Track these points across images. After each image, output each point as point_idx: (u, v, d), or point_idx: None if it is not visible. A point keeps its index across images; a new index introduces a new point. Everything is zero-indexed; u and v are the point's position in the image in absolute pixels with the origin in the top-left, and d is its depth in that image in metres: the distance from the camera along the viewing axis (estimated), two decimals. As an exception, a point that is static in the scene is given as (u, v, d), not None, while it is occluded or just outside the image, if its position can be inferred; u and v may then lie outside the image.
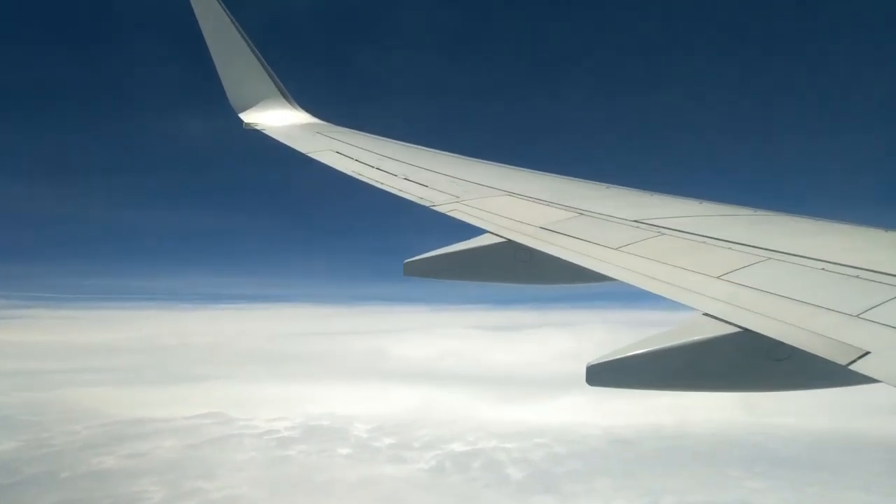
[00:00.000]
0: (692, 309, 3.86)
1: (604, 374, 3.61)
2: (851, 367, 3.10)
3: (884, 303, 3.55)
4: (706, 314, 3.74)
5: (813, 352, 3.27)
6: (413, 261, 5.57)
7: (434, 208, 6.48)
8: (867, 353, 3.15)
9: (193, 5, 9.74)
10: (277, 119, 10.37)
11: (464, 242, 5.59)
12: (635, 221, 5.40)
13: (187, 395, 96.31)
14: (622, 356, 3.60)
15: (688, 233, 5.00)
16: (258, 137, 9.93)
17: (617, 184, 6.85)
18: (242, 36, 9.93)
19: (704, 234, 4.92)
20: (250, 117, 10.27)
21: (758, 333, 3.49)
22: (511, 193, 6.72)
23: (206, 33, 9.85)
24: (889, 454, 62.91)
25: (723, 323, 3.62)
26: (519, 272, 5.43)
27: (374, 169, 7.95)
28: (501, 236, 5.48)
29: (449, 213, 6.29)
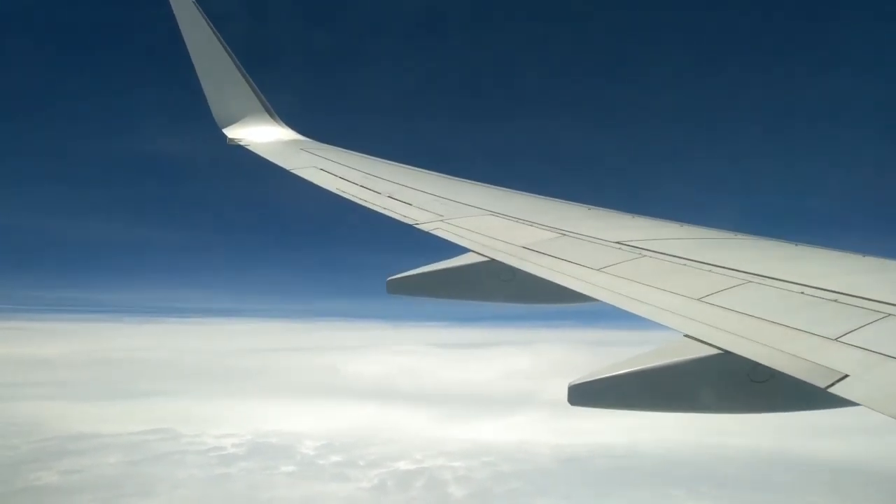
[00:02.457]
0: (670, 330, 3.87)
1: (585, 394, 3.61)
2: (830, 389, 3.12)
3: (862, 326, 3.59)
4: (687, 336, 3.75)
5: (792, 374, 3.28)
6: (396, 278, 5.58)
7: (418, 227, 6.51)
8: (846, 375, 3.17)
9: (178, 20, 9.68)
10: (261, 135, 10.31)
11: (447, 261, 5.61)
12: (617, 243, 5.45)
13: (137, 411, 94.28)
14: (603, 376, 3.59)
15: (669, 255, 5.04)
16: (240, 153, 9.92)
17: (599, 205, 6.91)
18: (227, 52, 9.88)
19: (685, 256, 4.96)
20: (234, 133, 10.22)
21: (738, 355, 3.49)
22: (494, 213, 6.76)
23: (190, 48, 9.81)
24: (837, 476, 63.71)
25: (703, 345, 3.63)
26: (501, 291, 5.46)
27: (358, 186, 7.97)
28: (484, 255, 5.49)
29: (432, 232, 6.31)
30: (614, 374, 3.60)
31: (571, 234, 5.83)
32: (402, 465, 70.71)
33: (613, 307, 4.37)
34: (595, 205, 6.95)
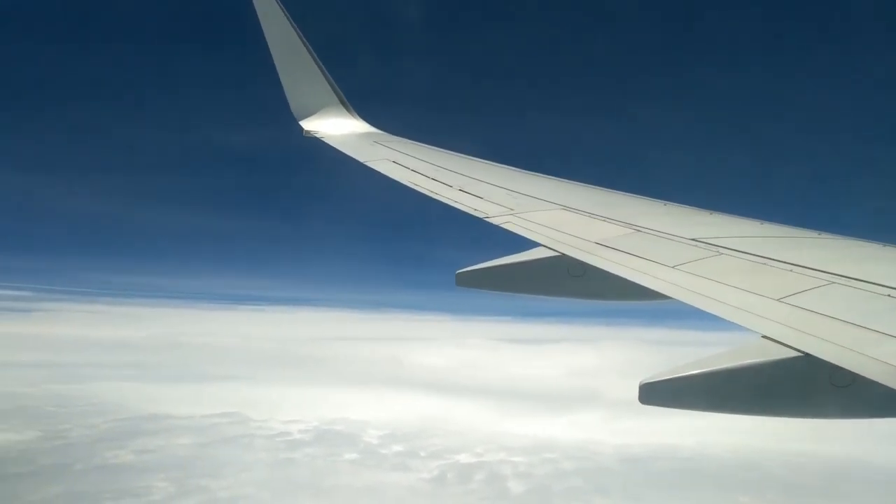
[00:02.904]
0: (745, 330, 3.79)
1: (657, 393, 3.57)
2: None
3: None
4: (765, 337, 3.65)
5: (877, 379, 3.18)
6: (465, 271, 5.55)
7: (488, 220, 6.43)
8: None
9: (259, 15, 9.95)
10: (336, 127, 10.48)
11: (517, 255, 5.53)
12: (693, 240, 5.29)
13: (209, 394, 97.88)
14: (678, 376, 3.53)
15: (748, 253, 4.88)
16: (316, 144, 10.07)
17: (674, 201, 6.75)
18: (305, 46, 10.09)
19: (765, 255, 4.79)
20: (310, 125, 10.42)
21: (819, 358, 3.40)
22: (566, 207, 6.63)
23: (270, 42, 10.06)
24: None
25: (782, 346, 3.54)
26: (571, 287, 5.35)
27: (430, 179, 7.93)
28: (555, 250, 5.40)
29: (503, 226, 6.20)
30: (688, 373, 3.52)
31: (646, 230, 5.69)
32: (463, 458, 71.09)
33: (687, 306, 4.26)
34: (670, 200, 6.77)
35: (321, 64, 10.33)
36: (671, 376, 3.53)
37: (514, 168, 8.53)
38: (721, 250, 5.01)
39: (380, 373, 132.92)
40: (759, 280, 4.37)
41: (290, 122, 10.56)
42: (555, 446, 76.13)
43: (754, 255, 4.84)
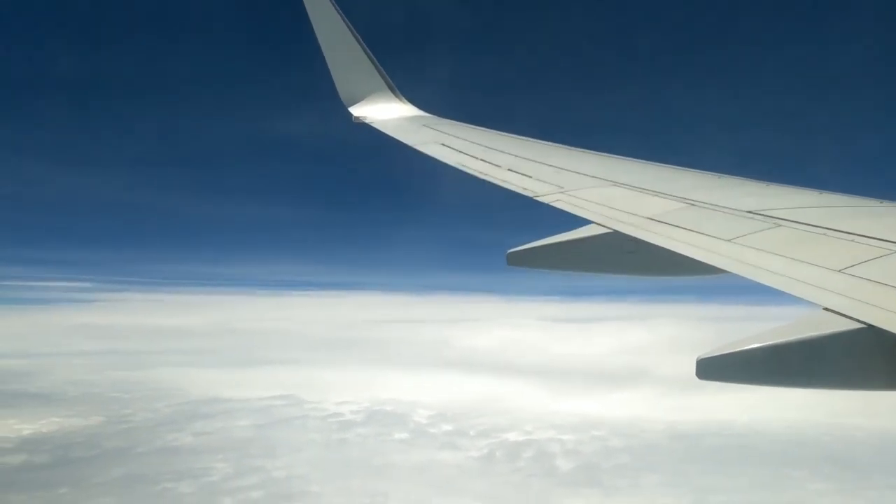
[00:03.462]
0: (800, 304, 3.69)
1: (715, 368, 3.46)
2: None
3: None
4: (826, 309, 3.54)
5: None
6: (517, 251, 5.49)
7: (538, 199, 6.36)
8: None
9: (306, 3, 10.09)
10: (385, 112, 10.48)
11: (568, 233, 5.48)
12: (749, 212, 5.16)
13: (264, 378, 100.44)
14: (737, 350, 3.44)
15: (806, 224, 4.73)
16: (365, 130, 10.10)
17: (728, 173, 6.55)
18: (352, 32, 10.15)
19: (824, 225, 4.63)
20: (359, 111, 10.46)
21: (882, 330, 3.29)
22: (617, 183, 6.53)
23: (317, 30, 10.15)
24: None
25: (844, 318, 3.43)
26: (624, 264, 5.29)
27: (478, 160, 7.88)
28: (607, 227, 5.34)
29: (553, 204, 6.14)
30: (748, 347, 3.40)
31: (700, 204, 5.56)
32: (512, 437, 71.55)
33: (743, 280, 4.15)
34: (723, 172, 6.58)
35: (368, 50, 10.39)
36: (730, 351, 3.44)
37: (562, 145, 8.46)
38: (778, 222, 4.88)
39: (430, 354, 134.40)
40: (818, 251, 4.24)
41: (339, 110, 10.64)
42: (603, 424, 76.02)
43: (813, 225, 4.69)
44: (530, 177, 7.04)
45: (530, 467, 62.90)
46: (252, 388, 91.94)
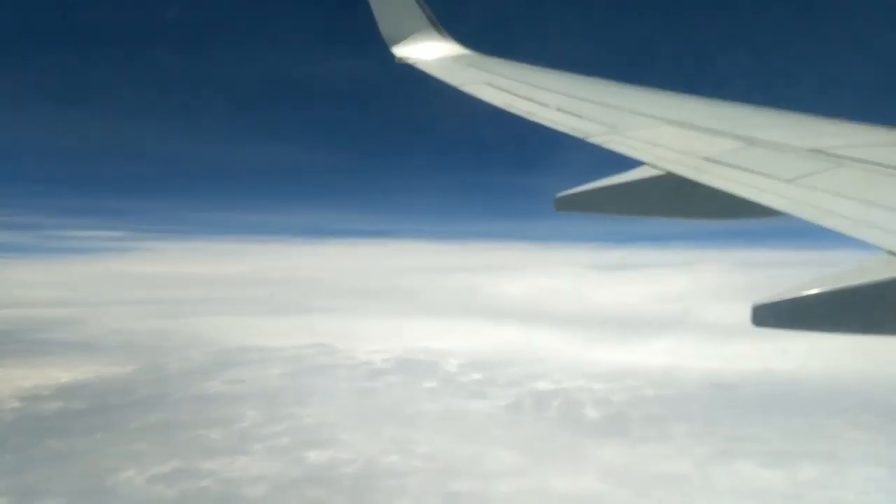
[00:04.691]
0: (865, 248, 3.54)
1: (772, 314, 3.38)
2: None
3: None
4: (892, 252, 3.42)
5: None
6: (566, 195, 5.31)
7: (588, 140, 6.09)
8: None
9: None
10: (430, 52, 10.05)
11: (620, 175, 5.27)
12: (812, 151, 4.94)
13: (299, 326, 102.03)
14: (795, 296, 3.35)
15: (872, 163, 4.53)
16: (409, 72, 9.74)
17: (786, 109, 6.18)
18: None
19: (892, 164, 4.45)
20: (402, 51, 10.05)
21: None
22: (671, 122, 6.28)
23: None
24: None
25: None
26: (679, 207, 5.11)
27: (526, 100, 7.58)
28: (661, 168, 5.13)
29: (604, 145, 5.89)
30: (807, 293, 3.29)
31: (759, 143, 5.29)
32: (541, 385, 71.11)
33: (804, 222, 3.93)
34: (780, 108, 6.16)
35: None
36: (788, 296, 3.34)
37: (614, 82, 7.99)
38: (843, 161, 4.60)
39: (465, 302, 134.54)
40: (884, 191, 4.03)
41: (379, 51, 10.28)
42: (638, 373, 74.94)
43: (880, 164, 4.43)
44: (580, 116, 6.72)
45: (557, 416, 62.46)
46: (286, 337, 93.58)
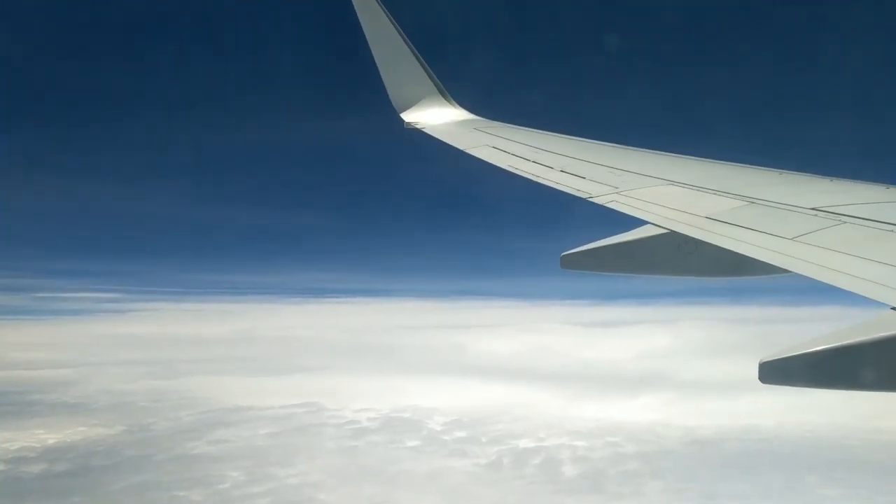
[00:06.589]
0: (863, 305, 3.55)
1: (779, 371, 3.33)
2: None
3: None
4: (895, 308, 3.41)
5: None
6: (571, 253, 5.40)
7: (591, 200, 6.20)
8: None
9: (357, 9, 10.16)
10: (437, 117, 10.47)
11: (625, 234, 5.37)
12: (813, 209, 4.96)
13: (290, 385, 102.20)
14: (803, 352, 3.29)
15: (873, 220, 4.53)
16: (417, 137, 10.15)
17: (789, 169, 6.33)
18: (403, 38, 10.16)
19: (892, 221, 4.45)
20: (411, 116, 10.49)
21: None
22: (673, 182, 6.35)
23: (368, 36, 10.18)
24: None
25: None
26: (682, 265, 5.20)
27: (530, 162, 7.72)
28: (664, 227, 5.21)
29: (607, 205, 5.98)
30: (815, 349, 3.23)
31: (760, 202, 5.35)
32: (523, 443, 71.12)
33: (806, 279, 4.00)
34: (783, 168, 6.36)
35: (419, 55, 10.39)
36: (796, 353, 3.29)
37: (616, 145, 8.28)
38: (843, 219, 4.66)
39: (455, 360, 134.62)
40: (886, 248, 4.05)
41: (382, 115, 10.74)
42: (620, 430, 74.88)
43: (880, 221, 4.47)
44: (583, 177, 6.85)
45: (534, 474, 62.55)
46: (277, 396, 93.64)
